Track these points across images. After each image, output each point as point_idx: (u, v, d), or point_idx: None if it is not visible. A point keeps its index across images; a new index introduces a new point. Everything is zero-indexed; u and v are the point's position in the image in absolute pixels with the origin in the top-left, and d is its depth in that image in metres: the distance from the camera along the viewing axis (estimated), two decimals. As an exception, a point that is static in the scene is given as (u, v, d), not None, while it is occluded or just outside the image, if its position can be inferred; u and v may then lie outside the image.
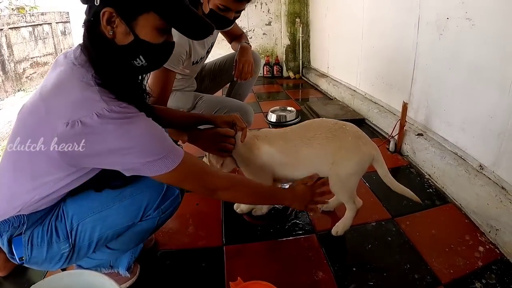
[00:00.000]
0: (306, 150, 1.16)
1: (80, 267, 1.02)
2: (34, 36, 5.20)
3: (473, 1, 1.37)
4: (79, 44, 0.81)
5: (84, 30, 0.77)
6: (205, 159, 1.31)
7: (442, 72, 1.61)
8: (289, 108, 2.70)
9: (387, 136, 2.05)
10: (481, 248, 1.18)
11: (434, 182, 1.61)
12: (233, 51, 1.89)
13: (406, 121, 1.86)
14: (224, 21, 1.44)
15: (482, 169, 1.38)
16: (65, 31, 6.08)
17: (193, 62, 1.60)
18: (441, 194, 1.52)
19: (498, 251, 1.17)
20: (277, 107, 2.74)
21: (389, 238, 1.25)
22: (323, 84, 3.47)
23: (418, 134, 1.80)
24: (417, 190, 1.53)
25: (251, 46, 1.82)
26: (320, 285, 1.07)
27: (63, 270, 1.06)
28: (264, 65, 4.28)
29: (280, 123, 2.55)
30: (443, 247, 1.19)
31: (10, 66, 4.60)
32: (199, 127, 1.28)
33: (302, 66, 4.16)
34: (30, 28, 5.08)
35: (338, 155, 1.14)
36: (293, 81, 4.12)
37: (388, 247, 1.21)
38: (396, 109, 2.11)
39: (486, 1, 1.30)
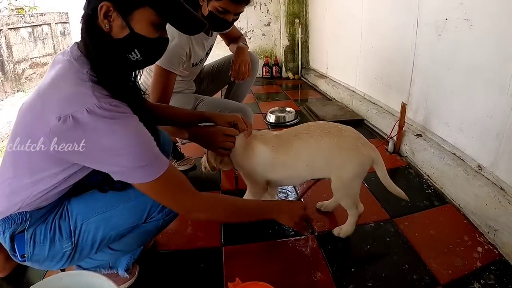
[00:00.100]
0: (298, 144, 1.14)
1: (79, 267, 1.02)
2: (34, 36, 5.20)
3: (472, 2, 1.37)
4: (76, 42, 0.83)
5: (82, 23, 0.79)
6: (204, 159, 1.31)
7: (441, 72, 1.62)
8: (288, 109, 2.70)
9: (386, 137, 2.05)
10: (479, 249, 1.18)
11: (433, 182, 1.61)
12: (231, 53, 1.89)
13: (405, 122, 1.86)
14: (223, 23, 1.45)
15: (481, 169, 1.38)
16: (64, 31, 6.07)
17: (193, 64, 1.60)
18: (439, 194, 1.52)
19: (496, 252, 1.17)
20: (276, 108, 2.74)
21: (388, 239, 1.26)
22: (322, 85, 3.47)
23: (417, 135, 1.80)
24: (416, 191, 1.54)
25: (248, 47, 1.83)
26: (319, 286, 1.07)
27: (63, 270, 1.07)
28: (263, 65, 4.29)
29: (279, 124, 2.56)
30: (442, 248, 1.19)
31: (9, 66, 4.60)
32: (199, 124, 1.27)
33: (301, 66, 4.16)
34: (30, 29, 5.08)
35: (337, 157, 1.12)
36: (292, 81, 4.12)
37: (387, 248, 1.21)
38: (395, 110, 2.11)
39: (485, 2, 1.31)
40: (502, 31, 1.23)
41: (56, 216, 0.87)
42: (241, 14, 1.51)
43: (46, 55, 5.48)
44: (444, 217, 1.38)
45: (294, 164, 1.17)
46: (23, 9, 5.74)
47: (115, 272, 1.07)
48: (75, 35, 6.11)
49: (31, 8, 6.02)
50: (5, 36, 4.46)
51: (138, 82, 0.94)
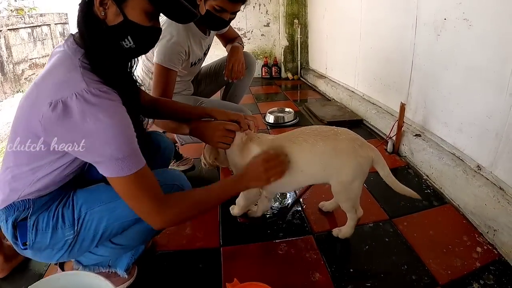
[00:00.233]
0: (291, 148, 1.11)
1: (79, 263, 1.01)
2: (33, 37, 5.20)
3: (471, 2, 1.37)
4: (71, 33, 0.85)
5: (79, 11, 0.81)
6: (202, 157, 1.30)
7: (440, 72, 1.62)
8: (287, 109, 2.70)
9: (385, 137, 2.05)
10: (479, 249, 1.18)
11: (432, 182, 1.61)
12: None
13: (404, 122, 1.86)
14: (220, 22, 1.46)
15: (480, 169, 1.38)
16: (64, 32, 6.08)
17: (192, 63, 1.60)
18: (439, 194, 1.52)
19: (496, 252, 1.17)
20: (275, 108, 2.73)
21: (387, 239, 1.25)
22: (321, 85, 3.47)
23: (416, 135, 1.80)
24: (415, 191, 1.52)
25: (243, 47, 1.83)
26: (317, 286, 1.06)
27: (62, 268, 1.07)
28: (263, 66, 4.29)
29: (278, 124, 2.55)
30: (441, 248, 1.19)
31: (9, 67, 4.60)
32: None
33: (300, 67, 4.16)
34: (29, 30, 5.08)
35: (334, 162, 1.10)
36: (292, 82, 4.12)
37: (386, 248, 1.21)
38: (394, 110, 2.11)
39: (484, 2, 1.31)
40: (501, 31, 1.23)
41: (60, 204, 0.88)
42: (240, 15, 1.52)
43: (45, 56, 5.48)
44: (443, 217, 1.38)
45: (288, 169, 1.13)
46: (23, 10, 5.75)
47: (114, 272, 1.06)
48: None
49: (31, 9, 6.03)
50: (4, 37, 4.47)
51: (133, 73, 0.96)
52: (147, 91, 1.33)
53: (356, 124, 2.43)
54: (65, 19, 6.09)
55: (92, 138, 0.73)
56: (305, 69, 4.13)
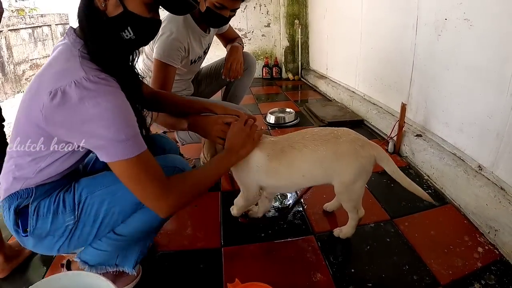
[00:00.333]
0: (292, 154, 1.11)
1: (85, 263, 0.99)
2: (34, 38, 5.20)
3: (471, 2, 1.37)
4: (71, 27, 0.87)
5: (80, 2, 0.83)
6: (201, 155, 1.29)
7: (441, 73, 1.61)
8: (288, 110, 2.70)
9: (386, 137, 2.05)
10: (480, 249, 1.18)
11: (433, 183, 1.61)
12: None
13: (404, 122, 1.86)
14: (220, 19, 1.48)
15: (481, 169, 1.38)
16: (64, 33, 6.08)
17: (191, 61, 1.61)
18: (440, 195, 1.52)
19: (497, 252, 1.16)
20: (276, 109, 2.73)
21: (388, 239, 1.25)
22: (322, 86, 3.47)
23: (417, 135, 1.80)
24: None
25: (243, 47, 1.83)
26: (318, 287, 1.06)
27: (68, 267, 1.05)
28: (263, 66, 4.29)
29: (279, 125, 2.55)
30: (442, 248, 1.19)
31: (9, 68, 4.60)
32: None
33: (301, 67, 4.16)
34: (30, 30, 5.08)
35: (335, 165, 1.09)
36: (292, 82, 4.12)
37: (387, 248, 1.21)
38: (395, 110, 2.11)
39: (485, 2, 1.31)
40: (502, 31, 1.23)
41: (61, 191, 0.89)
42: (241, 15, 1.53)
43: (46, 56, 5.48)
44: (444, 217, 1.38)
45: (289, 174, 1.14)
46: (23, 11, 5.75)
47: (121, 271, 1.04)
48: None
49: (31, 9, 6.03)
50: (5, 37, 4.47)
51: (135, 66, 0.97)
52: None
53: (357, 124, 2.43)
54: (65, 19, 6.09)
55: (92, 122, 0.74)
56: (306, 69, 4.13)
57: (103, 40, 0.82)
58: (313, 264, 1.16)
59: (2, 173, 0.89)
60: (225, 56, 1.81)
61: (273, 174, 1.14)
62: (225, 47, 1.89)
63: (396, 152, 1.92)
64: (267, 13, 4.22)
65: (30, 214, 0.86)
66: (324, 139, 1.10)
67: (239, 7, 1.51)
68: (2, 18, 1.14)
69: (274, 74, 4.31)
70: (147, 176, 0.82)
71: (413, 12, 1.80)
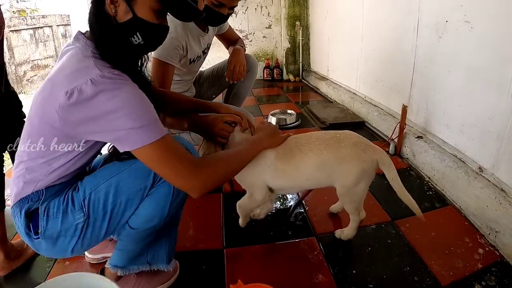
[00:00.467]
0: (300, 156, 1.12)
1: (116, 267, 1.00)
2: (35, 38, 5.22)
3: (472, 4, 1.38)
4: (79, 31, 0.88)
5: (90, 8, 0.85)
6: (200, 153, 1.29)
7: (441, 74, 1.62)
8: (289, 111, 2.71)
9: (386, 139, 2.05)
10: (480, 250, 1.18)
11: (434, 184, 1.61)
12: None
13: (405, 124, 1.87)
14: (218, 17, 1.49)
15: (482, 171, 1.38)
16: (65, 33, 6.10)
17: (190, 60, 1.61)
18: (440, 196, 1.53)
19: (497, 253, 1.17)
20: (277, 110, 2.74)
21: (389, 241, 1.26)
22: (323, 87, 3.48)
23: (418, 137, 1.80)
24: (417, 193, 1.55)
25: (245, 50, 1.84)
26: (320, 288, 1.07)
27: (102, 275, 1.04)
28: (264, 68, 4.29)
29: (280, 126, 2.56)
30: (443, 250, 1.19)
31: (11, 68, 4.62)
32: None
33: (302, 69, 4.17)
34: (31, 31, 5.10)
35: (337, 169, 1.10)
36: (293, 84, 4.13)
37: (388, 250, 1.22)
38: (396, 112, 2.12)
39: (485, 4, 1.32)
40: (502, 33, 1.24)
41: (70, 190, 0.89)
42: (242, 17, 1.54)
43: (47, 57, 5.50)
44: (445, 219, 1.38)
45: (294, 176, 1.14)
46: (25, 12, 5.77)
47: (156, 270, 1.06)
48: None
49: (33, 10, 6.05)
50: (6, 38, 4.48)
51: (144, 71, 0.98)
52: None
53: (358, 126, 2.43)
54: (67, 20, 6.10)
55: (110, 115, 0.75)
56: (307, 71, 4.14)
57: (113, 44, 0.84)
58: (315, 265, 1.16)
59: (11, 179, 0.90)
60: (227, 58, 1.82)
61: (280, 175, 1.14)
62: (227, 49, 1.90)
63: (397, 154, 1.93)
64: (268, 15, 4.23)
65: (41, 215, 0.86)
66: (327, 143, 1.10)
67: (237, 5, 1.53)
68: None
69: (275, 76, 4.32)
70: (176, 155, 0.83)
71: (414, 14, 1.81)
